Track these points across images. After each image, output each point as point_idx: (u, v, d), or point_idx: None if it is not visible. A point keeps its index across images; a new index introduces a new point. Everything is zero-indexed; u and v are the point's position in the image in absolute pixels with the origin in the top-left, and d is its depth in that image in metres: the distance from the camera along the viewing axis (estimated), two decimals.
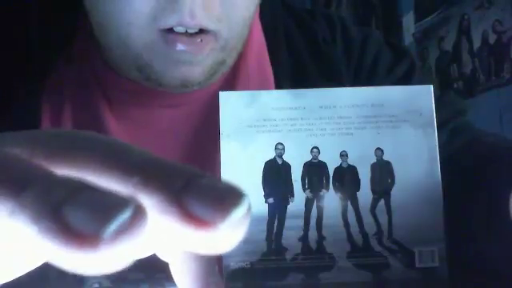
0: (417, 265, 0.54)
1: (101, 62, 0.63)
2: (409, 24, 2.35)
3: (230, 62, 0.62)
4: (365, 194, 0.55)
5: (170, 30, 0.54)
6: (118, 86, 0.62)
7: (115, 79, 0.62)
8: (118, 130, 0.60)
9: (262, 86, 0.65)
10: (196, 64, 0.56)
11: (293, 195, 0.55)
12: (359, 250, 0.55)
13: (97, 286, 0.50)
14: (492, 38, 1.79)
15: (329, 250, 0.54)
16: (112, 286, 0.50)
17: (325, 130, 0.56)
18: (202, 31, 0.55)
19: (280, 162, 0.55)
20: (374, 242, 0.55)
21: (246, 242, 0.54)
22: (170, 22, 0.53)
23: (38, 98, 0.61)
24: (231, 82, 0.65)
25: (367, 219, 0.55)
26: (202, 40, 0.55)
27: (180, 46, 0.54)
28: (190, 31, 0.54)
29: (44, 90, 0.61)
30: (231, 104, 0.56)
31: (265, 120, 0.56)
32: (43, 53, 0.61)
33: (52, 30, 0.63)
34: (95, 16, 0.57)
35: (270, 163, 0.55)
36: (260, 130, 0.56)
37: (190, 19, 0.52)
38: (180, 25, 0.53)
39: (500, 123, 1.71)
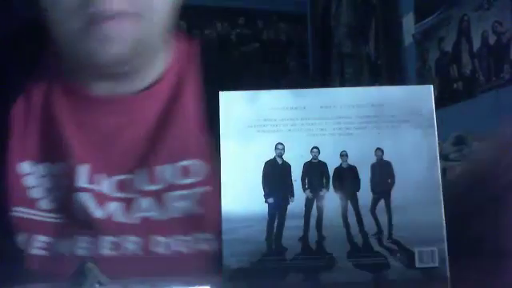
0: (417, 265, 0.54)
1: (62, 76, 0.74)
2: (409, 25, 2.34)
3: (152, 44, 0.70)
4: (365, 194, 0.55)
5: (97, 14, 0.64)
6: (74, 93, 0.73)
7: (73, 88, 0.74)
8: (75, 136, 0.70)
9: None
10: (120, 42, 0.65)
11: (293, 195, 0.55)
12: (359, 250, 0.55)
13: (97, 286, 0.50)
14: (492, 39, 1.79)
15: (329, 250, 0.54)
16: (112, 286, 0.50)
17: (325, 130, 0.56)
18: (123, 13, 0.64)
19: (280, 161, 0.55)
20: (373, 242, 0.55)
21: (246, 242, 0.54)
22: (93, 7, 0.63)
23: (8, 108, 0.71)
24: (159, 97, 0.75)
25: (367, 219, 0.55)
26: (123, 20, 0.64)
27: (104, 28, 0.63)
28: (112, 13, 0.64)
29: (15, 102, 0.72)
30: (231, 104, 0.56)
31: (265, 120, 0.56)
32: (13, 78, 0.74)
33: (19, 60, 0.75)
34: (48, 14, 0.68)
35: (269, 163, 0.55)
36: (260, 130, 0.56)
37: (109, 4, 0.63)
38: (101, 9, 0.63)
39: (500, 123, 1.70)
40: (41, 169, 0.69)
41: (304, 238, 0.54)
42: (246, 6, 3.41)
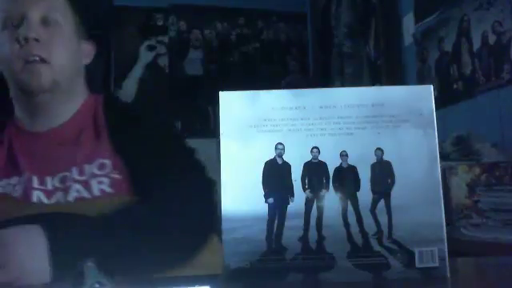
0: (417, 265, 0.54)
1: (14, 117, 1.10)
2: (409, 25, 2.34)
3: (62, 86, 1.04)
4: (365, 194, 0.55)
5: (26, 58, 1.01)
6: (19, 129, 1.09)
7: (18, 125, 1.09)
8: (24, 158, 1.05)
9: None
10: (39, 76, 1.02)
11: (293, 195, 0.55)
12: (359, 250, 0.55)
13: (97, 286, 0.50)
14: (492, 39, 1.79)
15: (329, 249, 0.54)
16: (112, 286, 0.50)
17: (325, 129, 0.56)
18: (38, 58, 1.01)
19: (280, 161, 0.55)
20: (374, 242, 0.55)
21: (246, 241, 0.54)
22: (24, 54, 1.00)
23: None
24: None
25: (367, 219, 0.55)
26: (38, 63, 1.01)
27: (30, 66, 1.01)
28: (33, 58, 1.00)
29: None
30: (231, 104, 0.56)
31: (265, 120, 0.56)
32: None
33: None
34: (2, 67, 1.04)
35: (270, 163, 0.55)
36: (260, 130, 0.56)
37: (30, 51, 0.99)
38: (28, 54, 1.00)
39: (500, 124, 1.70)
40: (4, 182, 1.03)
41: (304, 238, 0.54)
42: (245, 6, 3.41)
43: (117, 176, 0.99)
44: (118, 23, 3.17)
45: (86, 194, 0.98)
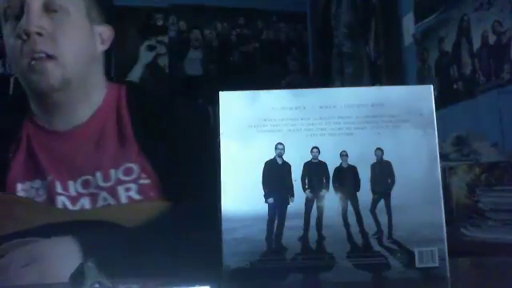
0: (417, 265, 0.54)
1: (32, 115, 0.99)
2: (409, 25, 2.34)
3: (76, 82, 0.93)
4: (365, 194, 0.55)
5: (32, 54, 0.90)
6: (39, 128, 0.98)
7: (37, 124, 0.98)
8: (45, 159, 0.95)
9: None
10: (47, 75, 0.90)
11: (293, 195, 0.55)
12: (359, 249, 0.55)
13: (97, 286, 0.50)
14: (492, 39, 1.79)
15: (329, 249, 0.54)
16: (112, 286, 0.50)
17: (325, 129, 0.56)
18: (44, 54, 0.89)
19: (280, 161, 0.55)
20: (374, 242, 0.55)
21: (246, 241, 0.54)
22: (29, 49, 0.89)
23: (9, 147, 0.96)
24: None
25: (367, 219, 0.55)
26: (45, 60, 0.89)
27: (37, 64, 0.89)
28: (38, 55, 0.89)
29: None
30: (231, 104, 0.56)
31: (265, 120, 0.56)
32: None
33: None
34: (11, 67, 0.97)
35: (270, 163, 0.55)
36: (260, 130, 0.56)
37: (34, 46, 0.88)
38: (33, 50, 0.89)
39: (500, 124, 1.70)
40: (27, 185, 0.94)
41: (304, 238, 0.54)
42: (245, 6, 3.41)
43: (145, 181, 0.91)
44: (118, 23, 3.17)
45: (112, 202, 0.90)
